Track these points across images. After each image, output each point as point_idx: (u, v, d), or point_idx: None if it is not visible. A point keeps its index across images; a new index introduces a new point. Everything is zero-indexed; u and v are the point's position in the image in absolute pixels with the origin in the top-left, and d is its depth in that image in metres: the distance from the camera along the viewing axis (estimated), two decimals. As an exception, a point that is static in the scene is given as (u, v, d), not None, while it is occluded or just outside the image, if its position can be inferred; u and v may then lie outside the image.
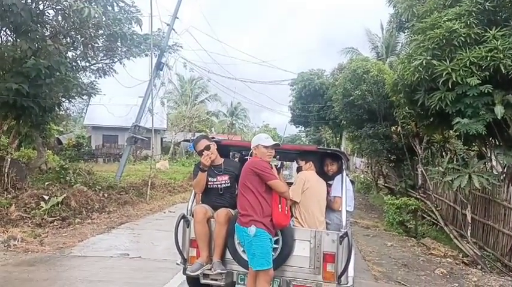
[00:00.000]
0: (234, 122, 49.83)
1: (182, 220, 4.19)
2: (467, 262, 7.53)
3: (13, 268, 5.40)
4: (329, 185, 4.75)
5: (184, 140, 36.75)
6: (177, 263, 4.23)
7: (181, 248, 4.16)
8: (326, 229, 4.29)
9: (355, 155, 25.48)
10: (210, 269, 3.94)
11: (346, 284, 3.95)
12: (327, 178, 4.79)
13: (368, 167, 20.93)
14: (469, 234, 8.18)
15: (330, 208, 4.56)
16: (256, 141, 4.04)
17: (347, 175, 4.70)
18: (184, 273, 4.16)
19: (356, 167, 30.09)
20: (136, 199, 12.07)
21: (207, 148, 4.33)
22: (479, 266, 7.28)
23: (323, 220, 4.38)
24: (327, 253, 3.94)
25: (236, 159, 5.21)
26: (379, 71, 13.40)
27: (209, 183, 4.34)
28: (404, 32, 12.81)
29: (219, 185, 4.35)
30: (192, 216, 4.18)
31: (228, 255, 4.05)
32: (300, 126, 35.52)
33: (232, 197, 4.40)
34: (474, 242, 8.23)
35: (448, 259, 7.53)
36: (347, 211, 4.36)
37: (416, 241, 8.98)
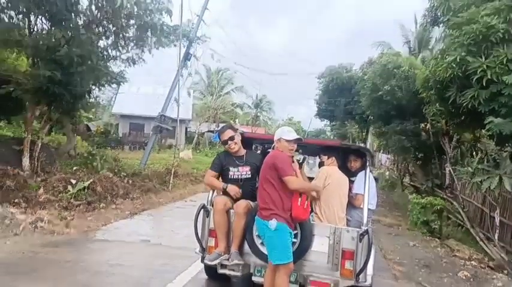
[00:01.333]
0: (258, 114, 49.83)
1: (202, 210, 4.23)
2: (493, 266, 7.26)
3: (39, 249, 5.60)
4: (351, 182, 4.69)
5: (209, 131, 37.15)
6: (196, 252, 4.29)
7: (200, 237, 4.20)
8: (346, 226, 4.24)
9: (381, 151, 25.02)
10: (228, 260, 3.98)
11: (365, 282, 3.92)
12: (350, 174, 4.74)
13: (394, 164, 20.53)
14: (496, 237, 7.88)
15: (351, 204, 4.52)
16: (279, 134, 3.99)
17: (371, 171, 4.62)
18: (202, 262, 4.21)
19: (381, 164, 29.57)
20: (159, 186, 12.27)
21: (232, 138, 4.36)
22: (505, 272, 7.01)
23: (343, 217, 4.34)
24: (346, 249, 3.92)
25: (258, 151, 5.21)
26: (411, 66, 13.00)
27: (230, 173, 4.37)
28: (438, 27, 12.39)
29: (240, 176, 4.38)
30: (212, 206, 4.21)
31: (246, 247, 4.07)
32: (326, 120, 35.13)
33: (253, 189, 4.42)
34: (502, 246, 7.93)
35: (472, 262, 7.29)
36: (369, 209, 4.31)
37: (440, 241, 8.73)
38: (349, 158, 4.79)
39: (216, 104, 38.07)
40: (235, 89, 42.98)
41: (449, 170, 11.16)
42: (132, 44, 15.10)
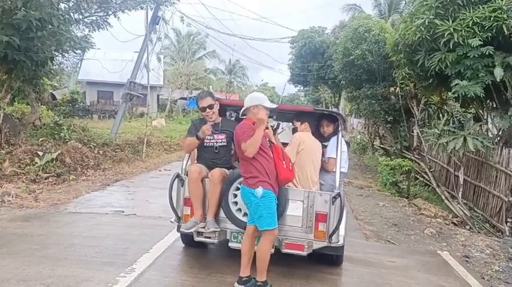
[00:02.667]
0: (232, 80, 49.17)
1: (177, 179, 4.20)
2: (456, 222, 7.70)
3: (8, 223, 5.45)
4: (324, 147, 4.76)
5: (181, 98, 36.29)
6: (171, 221, 4.30)
7: (175, 206, 4.20)
8: (320, 190, 4.33)
9: (353, 115, 25.42)
10: (204, 227, 4.00)
11: (337, 242, 4.07)
12: (323, 139, 4.80)
13: (365, 128, 20.96)
14: (460, 195, 8.31)
15: (324, 169, 4.60)
16: (257, 100, 3.86)
17: (343, 136, 4.69)
18: (178, 231, 4.23)
19: (353, 128, 30.15)
20: (131, 156, 12.06)
21: (211, 106, 4.29)
22: (468, 227, 7.45)
23: (317, 181, 4.43)
24: (319, 212, 4.03)
25: (233, 118, 5.17)
26: (381, 30, 13.06)
27: (205, 141, 4.33)
28: (408, -11, 12.39)
29: (215, 144, 4.35)
30: (187, 175, 4.19)
31: (222, 214, 4.11)
32: (299, 86, 35.17)
33: (228, 156, 4.43)
34: (465, 203, 8.38)
35: (438, 219, 7.68)
36: (341, 172, 4.40)
37: (408, 201, 9.13)
38: (322, 123, 4.81)
39: (188, 70, 37.23)
40: (207, 54, 41.93)
41: (417, 132, 11.51)
42: (95, 6, 14.38)
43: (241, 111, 3.98)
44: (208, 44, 38.96)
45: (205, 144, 4.34)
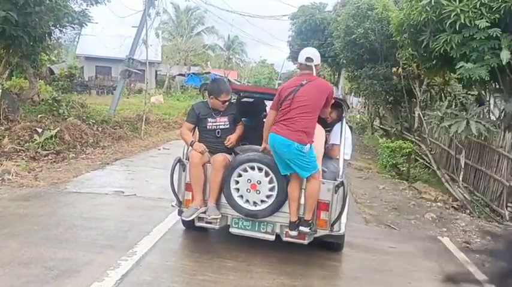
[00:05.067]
0: (230, 56, 48.52)
1: (178, 164, 4.16)
2: (456, 206, 7.70)
3: (8, 203, 5.42)
4: (328, 132, 4.70)
5: (180, 74, 36.10)
6: (172, 205, 4.29)
7: (176, 191, 4.17)
8: (322, 177, 4.29)
9: (353, 94, 25.22)
10: (205, 213, 3.99)
11: (339, 231, 4.05)
12: (327, 125, 4.74)
13: (365, 107, 20.83)
14: (460, 179, 8.29)
15: (327, 155, 4.55)
16: (318, 57, 4.16)
17: (347, 123, 4.64)
18: (179, 215, 4.22)
19: (353, 107, 29.97)
20: (130, 134, 11.97)
21: (225, 101, 4.28)
22: (468, 211, 7.46)
23: (320, 168, 4.37)
24: (322, 201, 3.99)
25: (233, 100, 5.11)
26: (384, 8, 12.77)
27: (208, 124, 4.30)
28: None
29: (217, 127, 4.31)
30: (188, 160, 4.13)
31: (223, 199, 4.08)
32: (297, 63, 34.76)
33: (230, 140, 4.37)
34: (465, 186, 8.38)
35: (438, 203, 7.69)
36: (344, 160, 4.36)
37: (408, 184, 9.11)
38: (325, 109, 4.74)
39: (187, 46, 36.67)
40: (206, 29, 41.23)
41: (419, 114, 11.41)
42: (93, -20, 14.01)
43: (313, 63, 4.05)
44: (207, 20, 38.30)
45: (207, 127, 4.31)
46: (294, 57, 27.77)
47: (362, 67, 13.86)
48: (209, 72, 35.57)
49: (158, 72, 35.22)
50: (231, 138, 4.27)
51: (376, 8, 12.84)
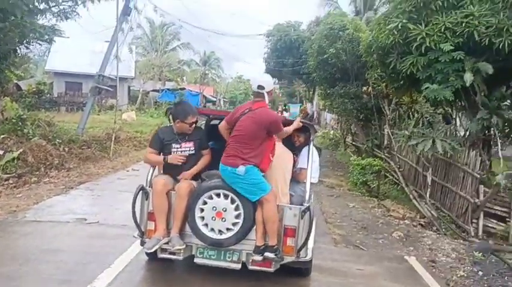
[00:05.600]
0: (206, 72, 48.57)
1: (141, 192, 4.01)
2: (423, 223, 7.84)
3: (-39, 235, 5.11)
4: (296, 155, 4.71)
5: (154, 90, 35.74)
6: (134, 236, 4.10)
7: (139, 221, 4.01)
8: (289, 201, 4.25)
9: (327, 111, 25.61)
10: (168, 244, 3.84)
11: (305, 257, 3.99)
12: (295, 148, 4.75)
13: (338, 123, 21.15)
14: (428, 195, 8.46)
15: (295, 179, 4.54)
16: (270, 85, 4.18)
17: (314, 145, 4.66)
18: (142, 245, 4.05)
19: (326, 123, 30.38)
20: (99, 154, 11.62)
21: (195, 123, 4.20)
22: (434, 228, 7.60)
23: (287, 192, 4.35)
24: (288, 227, 3.93)
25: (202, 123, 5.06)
26: (355, 29, 13.12)
27: (172, 150, 4.16)
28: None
29: (183, 153, 4.17)
30: (151, 187, 3.99)
31: (187, 228, 3.94)
32: (274, 79, 35.21)
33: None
34: (432, 203, 8.54)
35: (406, 221, 7.80)
36: (311, 183, 4.35)
37: (377, 202, 9.22)
38: (293, 133, 4.76)
39: (161, 61, 36.49)
40: (181, 45, 41.18)
41: (388, 132, 11.63)
42: (63, -5, 13.78)
43: (265, 90, 4.04)
44: (183, 35, 38.32)
45: (171, 153, 4.17)
46: (270, 73, 28.09)
47: (334, 86, 14.13)
48: (184, 88, 35.35)
49: (131, 88, 34.75)
50: (186, 175, 4.11)
51: (348, 28, 13.16)
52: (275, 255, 3.80)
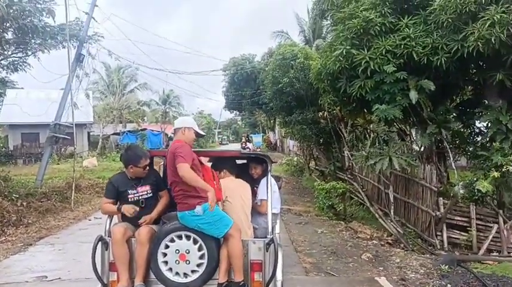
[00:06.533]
0: (167, 110, 48.45)
1: (100, 242, 3.89)
2: (391, 241, 7.98)
3: None
4: (256, 188, 4.71)
5: (114, 133, 35.16)
6: None
7: (100, 273, 3.86)
8: (254, 234, 4.23)
9: (289, 137, 26.03)
10: (132, 294, 3.72)
11: (275, 290, 3.94)
12: (254, 180, 4.76)
13: (300, 149, 21.51)
14: (392, 213, 8.67)
15: (256, 211, 4.52)
16: (190, 123, 4.06)
17: (272, 175, 4.68)
18: (104, 299, 3.89)
19: (290, 150, 30.77)
20: (59, 204, 11.19)
21: (148, 165, 4.13)
22: (402, 245, 7.75)
23: (250, 225, 4.32)
24: (254, 261, 3.88)
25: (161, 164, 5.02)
26: (306, 57, 13.65)
27: (129, 196, 4.07)
28: (326, 19, 13.06)
29: (139, 197, 4.09)
30: (111, 236, 3.89)
31: (152, 275, 3.83)
32: (235, 111, 35.62)
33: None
34: (397, 220, 8.75)
35: (373, 241, 7.92)
36: (273, 214, 4.34)
37: (345, 224, 9.34)
38: (250, 165, 4.80)
39: (120, 104, 36.13)
40: (139, 86, 41.05)
41: (347, 154, 11.96)
42: (12, 48, 13.58)
43: (172, 129, 4.09)
44: (140, 76, 38.28)
45: (129, 200, 4.07)
46: (230, 106, 28.47)
47: (291, 113, 14.50)
48: (145, 129, 35.01)
49: (91, 134, 34.02)
50: (146, 219, 4.02)
51: (299, 57, 13.68)
52: None
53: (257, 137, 35.29)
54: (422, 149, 9.13)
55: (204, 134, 4.09)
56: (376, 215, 9.16)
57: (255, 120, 41.29)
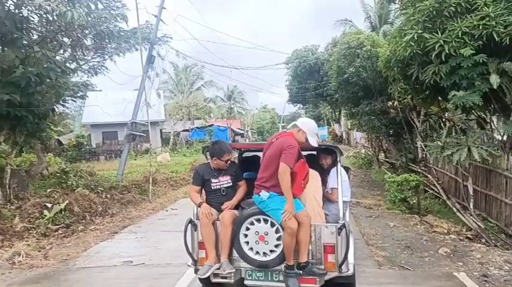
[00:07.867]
0: (232, 106, 49.69)
1: (190, 224, 4.36)
2: (471, 236, 7.50)
3: (18, 287, 5.41)
4: (326, 176, 4.84)
5: (184, 130, 36.86)
6: (188, 265, 4.42)
7: (190, 250, 4.33)
8: (325, 220, 4.45)
9: (355, 129, 25.39)
10: (219, 269, 4.15)
11: (347, 271, 4.13)
12: (324, 170, 4.91)
13: (368, 141, 20.89)
14: (471, 206, 8.13)
15: (328, 199, 4.67)
16: (312, 129, 4.28)
17: (342, 165, 4.78)
18: (195, 273, 4.39)
19: (357, 142, 29.99)
20: (138, 197, 12.09)
21: (227, 161, 4.57)
22: (483, 240, 7.25)
23: (322, 211, 4.51)
24: (327, 244, 4.13)
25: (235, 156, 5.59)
26: (373, 44, 13.15)
27: (212, 185, 4.57)
28: (394, 3, 12.50)
29: (221, 186, 4.57)
30: (199, 219, 4.35)
31: (235, 253, 4.23)
32: (298, 105, 35.40)
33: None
34: (477, 214, 8.20)
35: (451, 235, 7.50)
36: (344, 202, 4.50)
37: (419, 218, 8.90)
38: (320, 156, 4.98)
39: (188, 102, 37.72)
40: (205, 83, 42.65)
41: (420, 144, 11.40)
42: (91, 53, 14.81)
43: (291, 125, 4.37)
44: (205, 74, 39.64)
45: (212, 187, 4.58)
46: (293, 99, 28.34)
47: (358, 104, 14.09)
48: (212, 125, 36.28)
49: (163, 131, 35.99)
50: (228, 205, 4.45)
51: (365, 45, 13.21)
52: (304, 270, 4.00)
53: (322, 130, 34.82)
54: (505, 137, 8.46)
55: (314, 146, 4.31)
56: (454, 208, 8.66)
57: (319, 113, 40.79)
